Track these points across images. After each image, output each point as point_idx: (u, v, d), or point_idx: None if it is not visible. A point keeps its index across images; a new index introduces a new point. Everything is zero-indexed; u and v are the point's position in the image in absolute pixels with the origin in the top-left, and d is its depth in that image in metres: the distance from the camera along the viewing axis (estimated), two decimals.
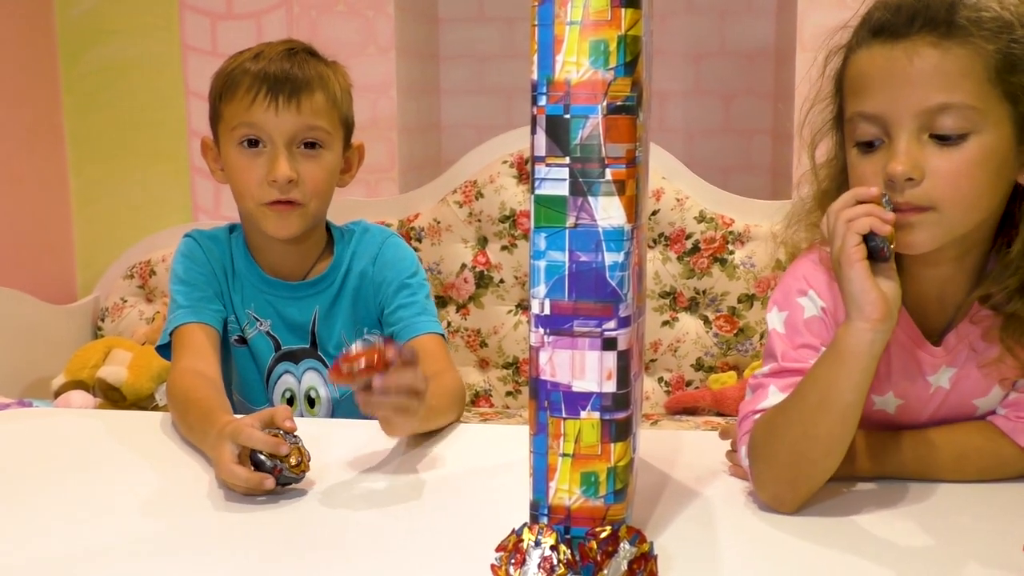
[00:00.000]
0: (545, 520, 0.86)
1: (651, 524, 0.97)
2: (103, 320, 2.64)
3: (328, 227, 1.50)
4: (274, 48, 1.40)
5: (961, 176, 0.94)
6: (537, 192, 0.83)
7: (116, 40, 2.68)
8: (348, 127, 1.45)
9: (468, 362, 2.54)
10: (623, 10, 0.80)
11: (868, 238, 0.94)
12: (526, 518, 0.87)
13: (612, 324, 0.83)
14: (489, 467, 1.16)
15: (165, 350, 1.41)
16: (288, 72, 1.36)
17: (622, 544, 0.80)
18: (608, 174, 0.81)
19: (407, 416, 1.07)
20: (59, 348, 2.47)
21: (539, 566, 0.79)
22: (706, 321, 2.44)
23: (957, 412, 1.08)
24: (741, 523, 0.98)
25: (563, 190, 0.82)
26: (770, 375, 1.05)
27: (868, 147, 0.98)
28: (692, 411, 2.39)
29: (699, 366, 2.44)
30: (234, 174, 1.40)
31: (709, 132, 2.89)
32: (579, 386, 0.84)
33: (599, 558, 0.79)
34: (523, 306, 2.50)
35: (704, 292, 2.43)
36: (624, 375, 0.84)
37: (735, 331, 2.42)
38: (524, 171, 2.48)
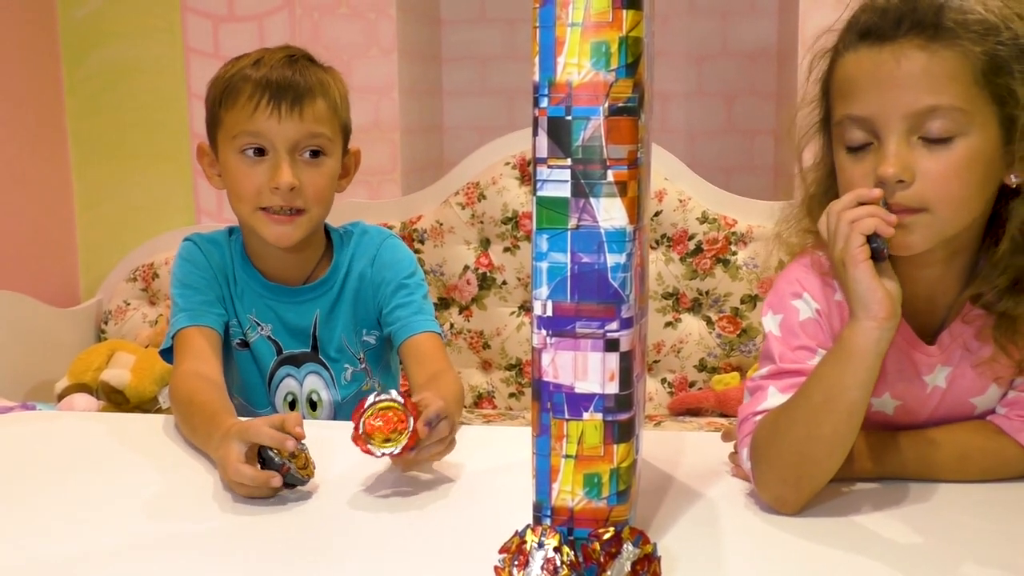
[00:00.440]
0: (548, 521, 0.86)
1: (654, 525, 0.97)
2: (106, 323, 2.64)
3: (327, 230, 1.50)
4: (274, 55, 1.39)
5: (951, 177, 0.94)
6: (539, 193, 0.83)
7: (118, 42, 2.69)
8: (346, 133, 1.45)
9: (471, 364, 2.55)
10: (624, 11, 0.80)
11: (870, 239, 0.94)
12: (529, 519, 0.87)
13: (614, 325, 0.83)
14: (492, 469, 1.16)
15: (168, 354, 1.41)
16: (290, 79, 1.36)
17: (625, 545, 0.80)
18: (610, 175, 0.81)
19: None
20: (62, 351, 2.47)
21: (542, 568, 0.79)
22: (709, 322, 2.44)
23: (955, 411, 1.08)
24: (744, 524, 0.98)
25: (565, 191, 0.82)
26: (768, 377, 1.05)
27: (857, 150, 0.98)
28: (695, 412, 2.39)
29: (702, 367, 2.44)
30: (234, 180, 1.39)
31: (711, 133, 2.89)
32: (582, 387, 0.84)
33: (602, 559, 0.79)
34: (526, 307, 2.51)
35: (707, 293, 2.43)
36: (627, 376, 0.84)
37: (738, 332, 2.41)
38: (526, 172, 2.48)
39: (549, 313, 0.84)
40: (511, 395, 2.53)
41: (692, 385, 2.45)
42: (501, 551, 0.81)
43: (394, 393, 1.05)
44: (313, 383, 1.48)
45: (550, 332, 0.84)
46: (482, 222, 2.50)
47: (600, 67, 0.80)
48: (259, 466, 1.05)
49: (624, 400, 0.84)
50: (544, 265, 0.83)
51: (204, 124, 1.45)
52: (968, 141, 0.94)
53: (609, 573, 0.79)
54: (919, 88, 0.94)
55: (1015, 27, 0.95)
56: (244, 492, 1.05)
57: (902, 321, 1.05)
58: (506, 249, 2.50)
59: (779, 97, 2.78)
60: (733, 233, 2.40)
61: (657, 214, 2.42)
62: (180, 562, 0.92)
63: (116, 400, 2.27)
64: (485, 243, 2.52)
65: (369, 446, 1.03)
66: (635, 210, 0.83)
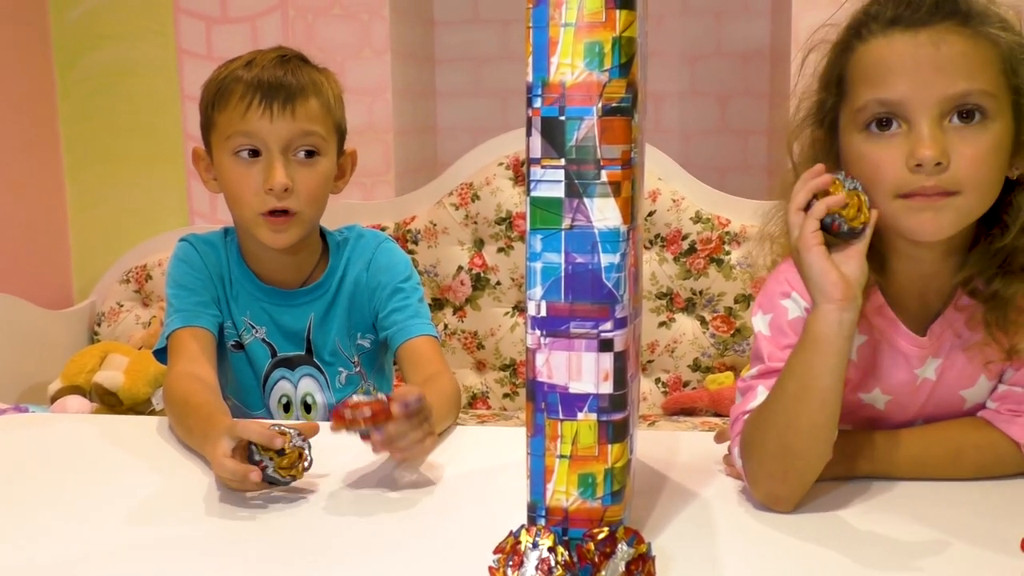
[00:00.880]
0: (543, 522, 0.86)
1: (649, 525, 0.97)
2: (99, 325, 2.64)
3: (323, 234, 1.50)
4: (266, 55, 1.39)
5: (982, 161, 0.96)
6: (533, 194, 0.83)
7: (111, 45, 2.68)
8: (341, 133, 1.45)
9: (465, 364, 2.55)
10: (618, 12, 0.80)
11: (824, 220, 0.96)
12: (524, 520, 0.87)
13: (608, 325, 0.83)
14: (486, 469, 1.16)
15: (162, 355, 1.41)
16: (282, 79, 1.36)
17: (620, 545, 0.80)
18: (604, 175, 0.82)
19: (415, 459, 1.10)
20: (55, 353, 2.47)
21: (537, 568, 0.79)
22: (703, 322, 2.44)
23: (945, 404, 1.09)
24: (739, 523, 0.98)
25: (559, 192, 0.82)
26: (758, 376, 1.06)
27: (883, 135, 0.98)
28: (689, 412, 2.39)
29: (696, 367, 2.45)
30: (229, 183, 1.39)
31: (705, 133, 2.90)
32: (576, 387, 0.84)
33: (597, 559, 0.79)
34: (520, 308, 2.51)
35: (701, 293, 2.43)
36: (621, 376, 0.84)
37: (732, 331, 2.42)
38: (520, 173, 2.48)
39: (543, 313, 0.84)
40: (505, 395, 2.53)
41: (686, 385, 2.46)
42: (496, 551, 0.81)
43: (379, 394, 1.06)
44: (307, 386, 1.48)
45: (544, 332, 0.84)
46: (476, 223, 2.50)
47: (594, 67, 0.80)
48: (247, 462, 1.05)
49: (618, 400, 0.84)
50: (538, 265, 0.83)
51: (197, 126, 1.45)
52: (995, 127, 0.96)
53: (604, 573, 0.79)
54: (956, 72, 0.95)
55: (1018, 26, 0.98)
56: (233, 486, 1.06)
57: (892, 314, 1.06)
58: (500, 249, 2.50)
59: (772, 97, 2.78)
60: (727, 233, 2.40)
61: (651, 214, 2.43)
62: (175, 564, 0.92)
63: (109, 402, 2.26)
64: (479, 244, 2.52)
65: (343, 412, 1.03)
66: (629, 210, 0.83)
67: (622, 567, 0.79)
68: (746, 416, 1.04)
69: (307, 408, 1.48)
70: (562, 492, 0.86)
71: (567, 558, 0.79)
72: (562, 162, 0.82)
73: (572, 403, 0.84)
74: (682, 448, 1.21)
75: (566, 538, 0.83)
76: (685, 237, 2.42)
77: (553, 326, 0.84)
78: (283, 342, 1.47)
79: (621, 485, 0.87)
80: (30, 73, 2.62)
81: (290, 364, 1.47)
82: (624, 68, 0.81)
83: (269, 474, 1.04)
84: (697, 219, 2.42)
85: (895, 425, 1.12)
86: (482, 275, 2.51)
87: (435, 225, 2.51)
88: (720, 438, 1.19)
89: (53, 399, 2.28)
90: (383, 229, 2.48)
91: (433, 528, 0.99)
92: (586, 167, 0.82)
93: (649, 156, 2.27)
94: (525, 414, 0.87)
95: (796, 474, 0.99)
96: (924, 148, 0.94)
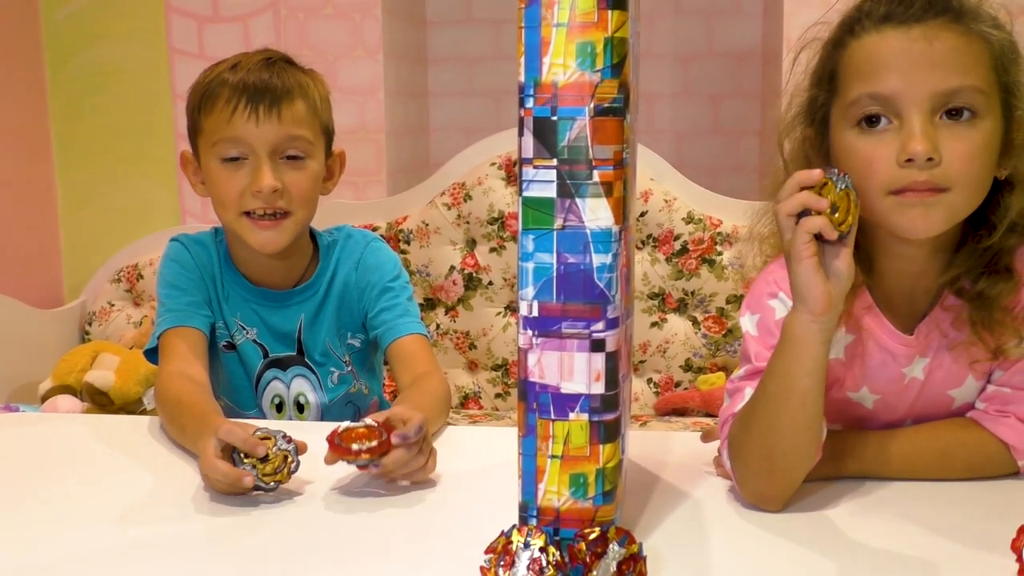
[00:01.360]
0: (534, 522, 0.86)
1: (640, 525, 0.97)
2: (90, 324, 2.63)
3: (313, 236, 1.50)
4: (251, 58, 1.39)
5: (973, 158, 0.96)
6: (525, 194, 0.83)
7: (102, 44, 2.67)
8: (329, 135, 1.44)
9: (457, 364, 2.54)
10: (609, 12, 0.80)
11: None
12: (515, 520, 0.87)
13: (600, 326, 0.83)
14: (478, 469, 1.16)
15: (153, 355, 1.41)
16: (267, 82, 1.35)
17: (611, 545, 0.80)
18: (596, 176, 0.82)
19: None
20: (46, 353, 2.46)
21: (528, 568, 0.79)
22: (695, 322, 2.44)
23: (934, 404, 1.09)
24: (730, 523, 0.98)
25: (551, 192, 0.82)
26: (746, 377, 1.06)
27: (874, 130, 0.98)
28: (681, 412, 2.39)
29: (688, 367, 2.45)
30: (216, 186, 1.38)
31: (697, 133, 2.90)
32: (568, 388, 0.84)
33: (588, 559, 0.79)
34: (512, 308, 2.50)
35: (692, 293, 2.43)
36: (613, 376, 0.84)
37: (723, 332, 2.42)
38: (512, 173, 2.48)
39: (535, 313, 0.84)
40: (497, 395, 2.52)
41: (678, 385, 2.46)
42: (487, 551, 0.81)
43: (368, 420, 1.06)
44: (300, 386, 1.48)
45: (536, 332, 0.84)
46: (468, 223, 2.50)
47: (586, 67, 0.80)
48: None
49: (610, 400, 0.85)
50: (530, 265, 0.84)
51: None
52: (985, 125, 0.96)
53: (595, 573, 0.79)
54: (949, 67, 0.95)
55: (1008, 25, 0.99)
56: (220, 487, 1.05)
57: (879, 314, 1.06)
58: (492, 250, 2.49)
59: (764, 98, 2.79)
60: (718, 233, 2.41)
61: (643, 214, 2.43)
62: (167, 564, 0.92)
63: (100, 402, 2.26)
64: (471, 244, 2.52)
65: (343, 445, 1.03)
66: (621, 210, 0.83)
67: (613, 567, 0.79)
68: (734, 417, 1.04)
69: (300, 408, 1.48)
70: (554, 492, 0.86)
71: (558, 558, 0.79)
72: (554, 162, 0.82)
73: (564, 403, 0.84)
74: (673, 448, 1.22)
75: (557, 538, 0.83)
76: (677, 237, 2.42)
77: (545, 326, 0.84)
78: (274, 343, 1.47)
79: (612, 485, 0.87)
80: (21, 72, 2.61)
81: (282, 365, 1.47)
82: (616, 68, 0.81)
83: (256, 484, 1.04)
84: (689, 219, 2.42)
85: (884, 425, 1.12)
86: (474, 275, 2.51)
87: (427, 225, 2.51)
88: (707, 438, 1.19)
89: (44, 399, 2.28)
90: (375, 229, 2.48)
91: (424, 528, 0.99)
92: (578, 167, 0.82)
93: (641, 156, 2.28)
94: (517, 414, 0.87)
95: (782, 474, 0.99)
96: (916, 143, 0.94)
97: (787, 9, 2.39)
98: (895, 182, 0.96)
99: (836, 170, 0.95)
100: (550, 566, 0.79)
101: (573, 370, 0.84)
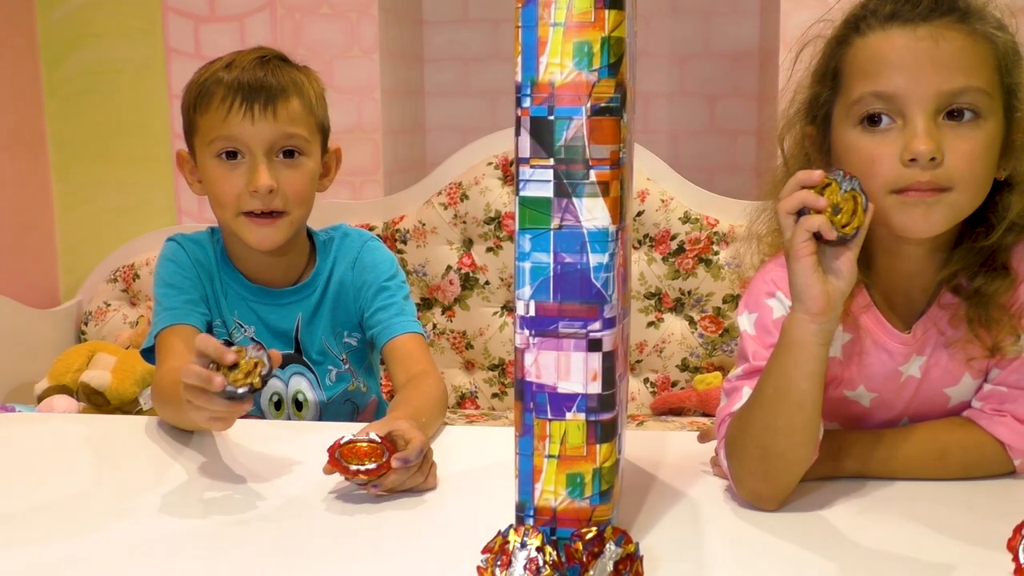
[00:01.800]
0: (531, 521, 0.86)
1: (637, 525, 0.97)
2: (86, 324, 2.63)
3: (310, 235, 1.50)
4: (246, 56, 1.39)
5: (975, 158, 0.96)
6: (522, 194, 0.83)
7: (99, 43, 2.67)
8: (324, 132, 1.44)
9: (454, 364, 2.54)
10: (607, 11, 0.80)
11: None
12: (512, 520, 0.87)
13: (597, 325, 0.83)
14: (474, 469, 1.16)
15: (149, 354, 1.40)
16: (262, 80, 1.35)
17: (608, 545, 0.80)
18: (592, 175, 0.82)
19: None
20: (42, 352, 2.46)
21: (525, 567, 0.79)
22: (691, 322, 2.44)
23: (930, 402, 1.09)
24: (726, 523, 0.99)
25: (548, 191, 0.82)
26: (743, 376, 1.06)
27: (877, 129, 0.98)
28: (678, 412, 2.39)
29: (684, 367, 2.45)
30: (213, 186, 1.38)
31: (694, 133, 2.90)
32: (564, 387, 0.84)
33: (585, 559, 0.79)
34: (508, 308, 2.50)
35: (689, 293, 2.43)
36: (609, 376, 0.84)
37: (720, 331, 2.42)
38: (509, 173, 2.48)
39: (532, 313, 0.84)
40: (494, 395, 2.52)
41: (674, 385, 2.46)
42: (484, 551, 0.81)
43: (372, 434, 1.05)
44: (298, 384, 1.48)
45: (533, 332, 0.84)
46: (465, 222, 2.50)
47: (582, 67, 0.80)
48: None
49: (607, 400, 0.84)
50: (527, 265, 0.83)
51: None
52: (988, 125, 0.96)
53: (591, 573, 0.79)
54: (954, 67, 0.95)
55: (1011, 27, 0.99)
56: (192, 401, 1.04)
57: (877, 312, 1.06)
58: (489, 249, 2.49)
59: (761, 97, 2.79)
60: (715, 233, 2.41)
61: (639, 214, 2.43)
62: (164, 564, 0.92)
63: (96, 402, 2.26)
64: (468, 243, 2.52)
65: (343, 463, 1.03)
66: (618, 210, 0.83)
67: (610, 567, 0.79)
68: (731, 417, 1.04)
69: (298, 406, 1.48)
70: (550, 492, 0.86)
71: (555, 558, 0.79)
72: (551, 162, 0.82)
73: (560, 403, 0.84)
74: (670, 448, 1.22)
75: (554, 538, 0.83)
76: (674, 237, 2.42)
77: (542, 326, 0.84)
78: (272, 341, 1.46)
79: (609, 485, 0.87)
80: (16, 71, 2.61)
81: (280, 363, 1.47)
82: (613, 68, 0.81)
83: (227, 390, 1.02)
84: (686, 219, 2.42)
85: (881, 423, 1.12)
86: (471, 275, 2.50)
87: (424, 225, 2.51)
88: (703, 438, 1.20)
89: (40, 399, 2.27)
90: (372, 229, 2.48)
91: (421, 527, 0.99)
92: (575, 167, 0.82)
93: (638, 156, 2.28)
94: (514, 414, 0.87)
95: (778, 474, 0.99)
96: (919, 143, 0.94)
97: (784, 9, 2.39)
98: (898, 181, 0.96)
99: (841, 172, 0.94)
100: (547, 566, 0.79)
101: (570, 370, 0.84)
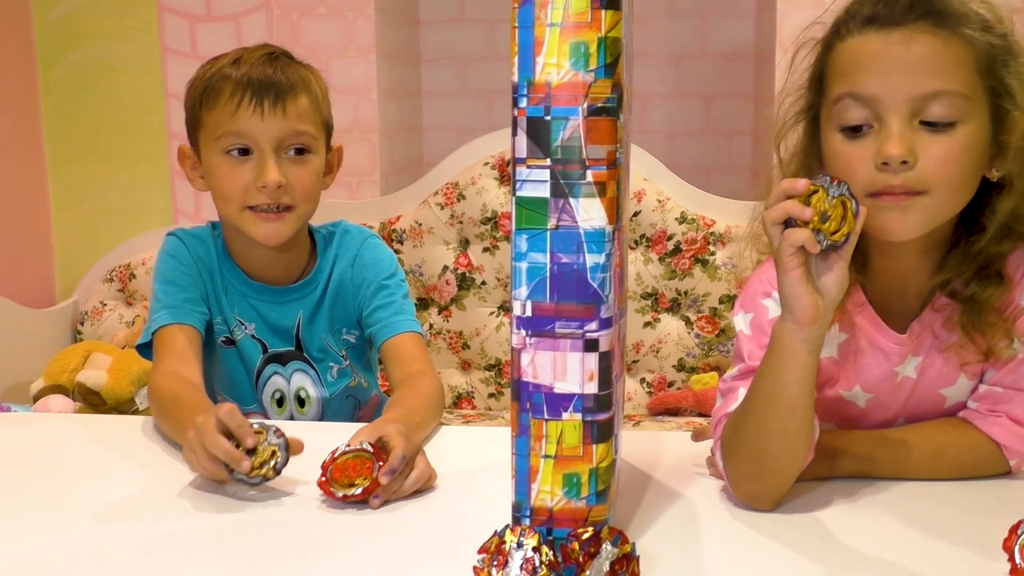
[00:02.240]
0: (527, 522, 0.86)
1: (633, 525, 0.97)
2: (82, 324, 2.62)
3: (310, 231, 1.50)
4: (253, 53, 1.39)
5: (951, 161, 0.96)
6: (518, 194, 0.83)
7: (95, 43, 2.67)
8: (329, 130, 1.45)
9: (450, 364, 2.54)
10: (603, 12, 0.80)
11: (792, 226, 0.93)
12: (508, 520, 0.87)
13: (594, 325, 0.83)
14: (471, 469, 1.16)
15: (146, 349, 1.40)
16: (272, 77, 1.35)
17: (604, 545, 0.80)
18: (589, 176, 0.82)
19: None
20: (38, 352, 2.45)
21: (521, 568, 0.79)
22: (688, 322, 2.44)
23: (926, 403, 1.09)
24: (722, 523, 0.99)
25: (544, 192, 0.82)
26: (739, 377, 1.07)
27: (854, 132, 0.98)
28: (674, 412, 2.39)
29: (681, 367, 2.45)
30: (219, 180, 1.38)
31: (690, 133, 2.90)
32: (561, 387, 0.84)
33: (581, 559, 0.79)
34: (505, 308, 2.50)
35: (686, 293, 2.43)
36: (606, 376, 0.84)
37: (717, 332, 2.42)
38: (505, 173, 2.48)
39: (528, 313, 0.84)
40: (490, 395, 2.52)
41: (671, 385, 2.46)
42: (480, 551, 0.81)
43: (365, 443, 1.05)
44: (300, 380, 1.48)
45: (529, 332, 0.84)
46: (461, 222, 2.50)
47: (579, 67, 0.80)
48: None
49: (603, 400, 0.85)
50: (523, 265, 0.83)
51: (182, 124, 1.44)
52: (967, 128, 0.96)
53: (588, 573, 0.79)
54: (927, 71, 0.95)
55: (1002, 27, 0.98)
56: (202, 466, 1.04)
57: (871, 311, 1.07)
58: (485, 249, 2.49)
59: (757, 98, 2.79)
60: (712, 233, 2.41)
61: (636, 214, 2.43)
62: (160, 564, 0.92)
63: (92, 401, 2.25)
64: (464, 243, 2.52)
65: (332, 489, 1.03)
66: (614, 210, 0.83)
67: (606, 567, 0.79)
68: (727, 417, 1.04)
69: (301, 403, 1.48)
70: (547, 492, 0.86)
71: (552, 558, 0.79)
72: (547, 162, 0.82)
73: (557, 403, 0.84)
74: (667, 448, 1.22)
75: (551, 538, 0.83)
76: (670, 237, 2.42)
77: (538, 326, 0.84)
78: (272, 338, 1.46)
79: (606, 485, 0.87)
80: (12, 71, 2.60)
81: (281, 360, 1.47)
82: (610, 68, 0.81)
83: (236, 474, 1.04)
84: (682, 219, 2.42)
85: (877, 424, 1.12)
86: (467, 275, 2.50)
87: (420, 225, 2.51)
88: (697, 437, 1.19)
89: (36, 398, 2.27)
90: (368, 228, 2.47)
91: (417, 527, 0.99)
92: (571, 167, 0.82)
93: (634, 156, 2.28)
94: (510, 414, 0.87)
95: (772, 476, 0.99)
96: (891, 146, 0.94)
97: (780, 10, 2.39)
98: (872, 185, 0.96)
99: (829, 178, 0.92)
100: (543, 566, 0.79)
101: (566, 370, 0.84)
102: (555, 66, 0.81)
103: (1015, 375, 1.05)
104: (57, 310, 2.59)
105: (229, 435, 1.05)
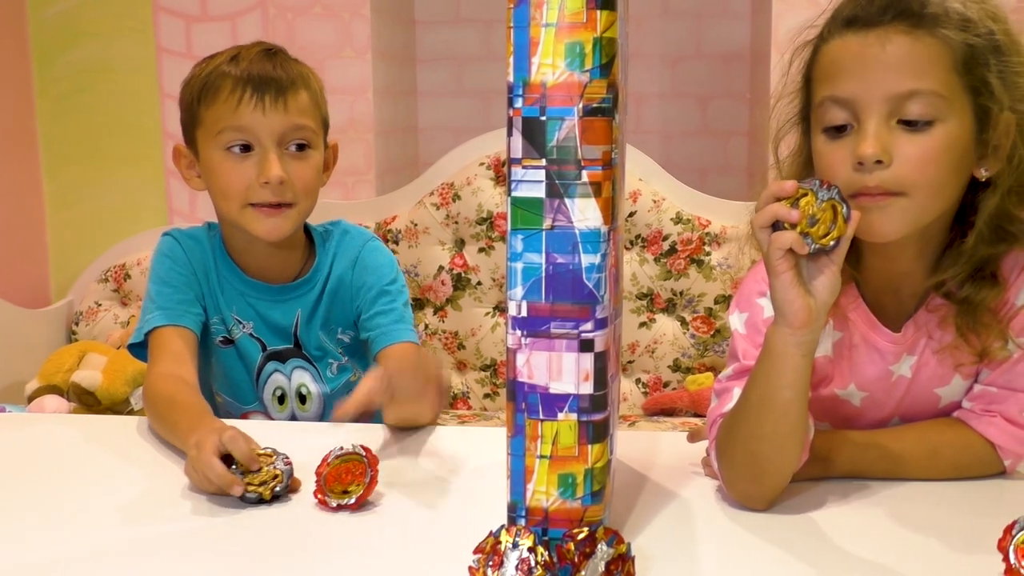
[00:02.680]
0: (523, 522, 0.86)
1: (628, 525, 0.97)
2: (77, 324, 2.62)
3: (307, 229, 1.50)
4: (250, 50, 1.39)
5: (928, 162, 0.96)
6: (514, 194, 0.83)
7: (90, 43, 2.66)
8: (326, 126, 1.45)
9: (446, 364, 2.54)
10: (598, 12, 0.80)
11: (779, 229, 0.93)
12: (504, 520, 0.87)
13: (589, 326, 0.83)
14: (467, 469, 1.16)
15: (138, 349, 1.40)
16: (271, 72, 1.36)
17: (599, 545, 0.80)
18: (584, 176, 0.82)
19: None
20: (33, 352, 2.45)
21: (517, 568, 0.79)
22: (683, 322, 2.44)
23: (921, 402, 1.10)
24: (717, 523, 0.99)
25: (540, 192, 0.82)
26: (733, 377, 1.07)
27: (836, 133, 0.99)
28: (669, 412, 2.39)
29: (676, 367, 2.45)
30: (219, 177, 1.38)
31: (686, 134, 2.90)
32: (556, 388, 0.84)
33: (577, 559, 0.79)
34: (500, 308, 2.50)
35: (681, 293, 2.43)
36: (601, 376, 0.84)
37: (712, 332, 2.42)
38: (501, 173, 2.48)
39: (524, 313, 0.84)
40: (486, 396, 2.52)
41: (666, 385, 2.46)
42: (475, 551, 0.81)
43: (359, 447, 1.05)
44: (301, 377, 1.48)
45: (525, 332, 0.84)
46: (457, 222, 2.50)
47: (574, 67, 0.80)
48: None
49: (598, 400, 0.85)
50: (519, 265, 0.83)
51: (177, 124, 1.44)
52: (945, 128, 0.96)
53: (583, 573, 0.79)
54: (902, 71, 0.95)
55: (991, 25, 0.97)
56: (207, 486, 1.05)
57: (866, 310, 1.07)
58: (481, 249, 2.49)
59: (753, 99, 2.79)
60: (707, 234, 2.41)
61: (631, 215, 2.43)
62: (156, 564, 0.91)
63: (87, 402, 2.25)
64: (460, 243, 2.52)
65: (326, 499, 1.03)
66: (610, 211, 0.83)
67: (602, 567, 0.79)
68: (722, 418, 1.04)
69: (302, 399, 1.48)
70: (542, 492, 0.86)
71: (547, 558, 0.79)
72: (543, 162, 0.82)
73: (552, 403, 0.84)
74: (662, 448, 1.22)
75: (546, 538, 0.83)
76: (666, 238, 2.43)
77: (534, 326, 0.84)
78: (271, 337, 1.46)
79: (601, 485, 0.87)
80: (7, 70, 2.60)
81: (281, 357, 1.47)
82: (605, 68, 0.81)
83: (243, 491, 1.04)
84: (678, 220, 2.42)
85: (872, 423, 1.12)
86: (463, 275, 2.50)
87: (416, 225, 2.51)
88: (693, 438, 1.19)
89: (30, 399, 2.27)
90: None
91: (412, 528, 0.99)
92: (567, 167, 0.82)
93: (630, 157, 2.28)
94: (506, 414, 0.87)
95: (766, 477, 0.99)
96: (865, 146, 0.95)
97: (775, 11, 2.40)
98: (850, 186, 0.96)
99: (819, 181, 0.92)
100: (538, 566, 0.79)
101: (562, 370, 0.84)
102: (550, 66, 0.81)
103: (1010, 375, 1.06)
104: (52, 310, 2.59)
105: (229, 456, 1.06)
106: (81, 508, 1.06)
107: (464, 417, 2.45)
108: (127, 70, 2.66)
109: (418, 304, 2.52)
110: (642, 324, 2.46)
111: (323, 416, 1.49)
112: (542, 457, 0.85)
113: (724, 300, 2.40)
